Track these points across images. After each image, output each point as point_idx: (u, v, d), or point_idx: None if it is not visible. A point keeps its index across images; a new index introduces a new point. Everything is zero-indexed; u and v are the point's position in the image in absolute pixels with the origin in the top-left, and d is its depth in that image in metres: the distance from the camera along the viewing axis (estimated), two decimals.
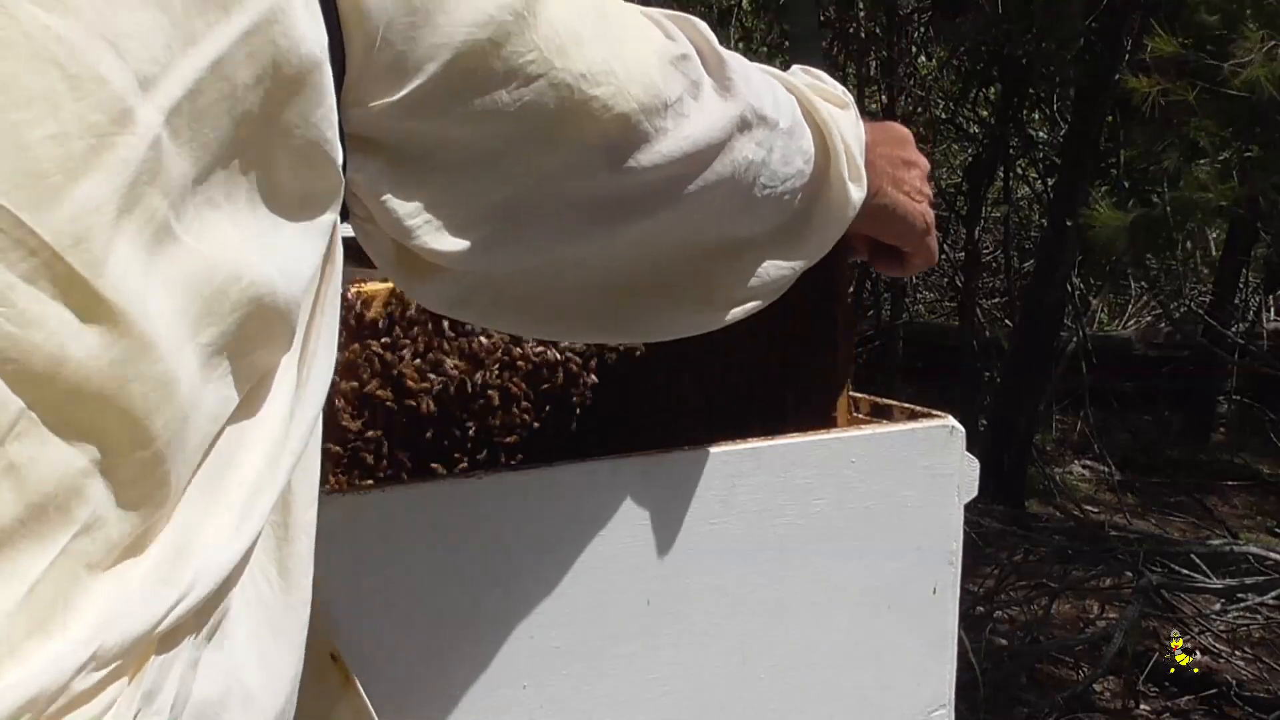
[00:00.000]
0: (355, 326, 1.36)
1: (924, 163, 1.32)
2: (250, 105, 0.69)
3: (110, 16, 0.63)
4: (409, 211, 0.88)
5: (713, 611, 1.37)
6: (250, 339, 0.72)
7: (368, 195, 0.86)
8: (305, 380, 0.79)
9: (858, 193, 1.20)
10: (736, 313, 1.20)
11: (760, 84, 1.08)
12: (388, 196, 0.87)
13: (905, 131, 1.34)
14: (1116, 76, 6.14)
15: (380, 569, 1.19)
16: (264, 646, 0.80)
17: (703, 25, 1.05)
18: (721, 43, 1.06)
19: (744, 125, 1.04)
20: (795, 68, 1.24)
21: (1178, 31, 4.31)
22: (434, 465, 1.38)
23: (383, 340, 1.36)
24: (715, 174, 1.03)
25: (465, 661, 1.24)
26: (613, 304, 1.12)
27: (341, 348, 1.31)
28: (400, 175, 0.86)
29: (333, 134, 0.75)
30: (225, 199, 0.70)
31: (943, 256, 9.57)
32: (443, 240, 0.91)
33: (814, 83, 1.22)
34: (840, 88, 1.23)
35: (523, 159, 0.93)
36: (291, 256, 0.75)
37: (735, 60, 1.06)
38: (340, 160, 0.78)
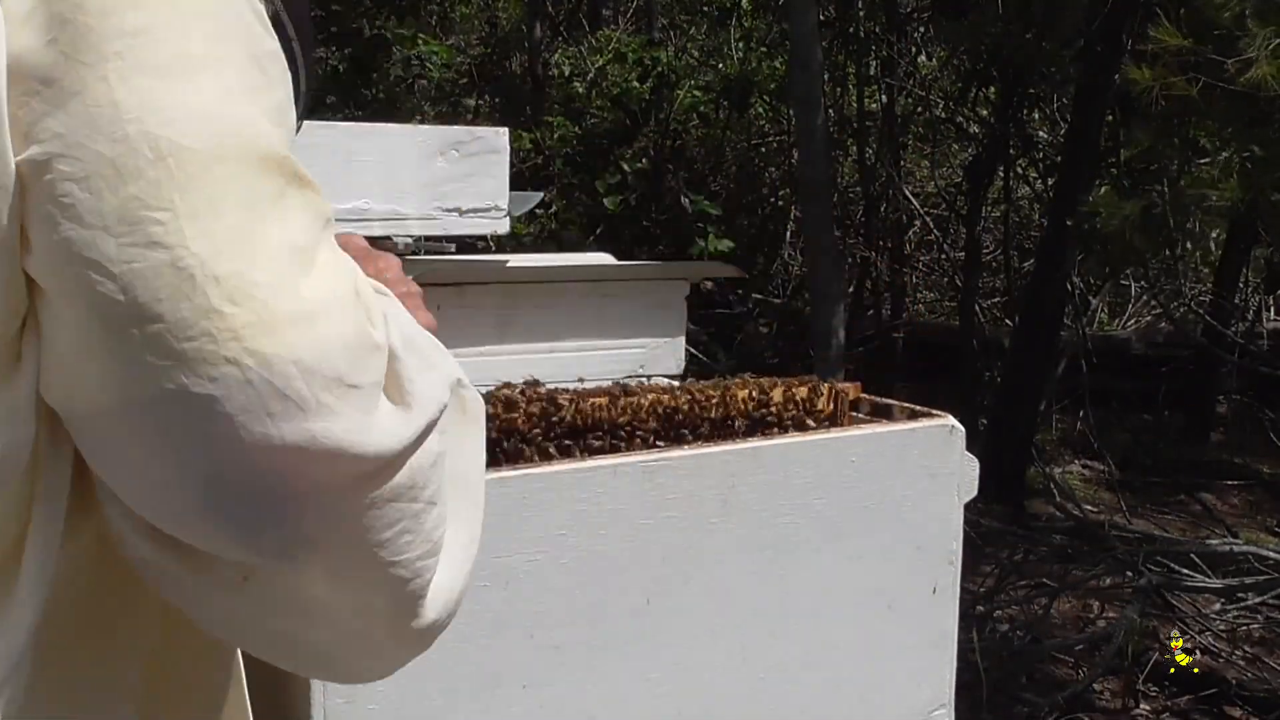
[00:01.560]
0: None
1: (394, 261, 1.13)
2: None
3: None
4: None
5: (713, 611, 1.37)
6: None
7: None
8: None
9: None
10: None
11: (435, 382, 0.87)
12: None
13: (354, 239, 1.13)
14: (1116, 76, 6.14)
15: None
16: None
17: (400, 312, 0.87)
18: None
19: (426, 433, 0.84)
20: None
21: (1183, 27, 4.28)
22: None
23: None
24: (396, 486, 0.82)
25: (465, 661, 1.24)
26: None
27: None
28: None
29: None
30: None
31: (942, 256, 9.57)
32: None
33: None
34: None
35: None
36: None
37: (422, 353, 0.86)
38: None
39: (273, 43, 0.81)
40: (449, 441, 0.88)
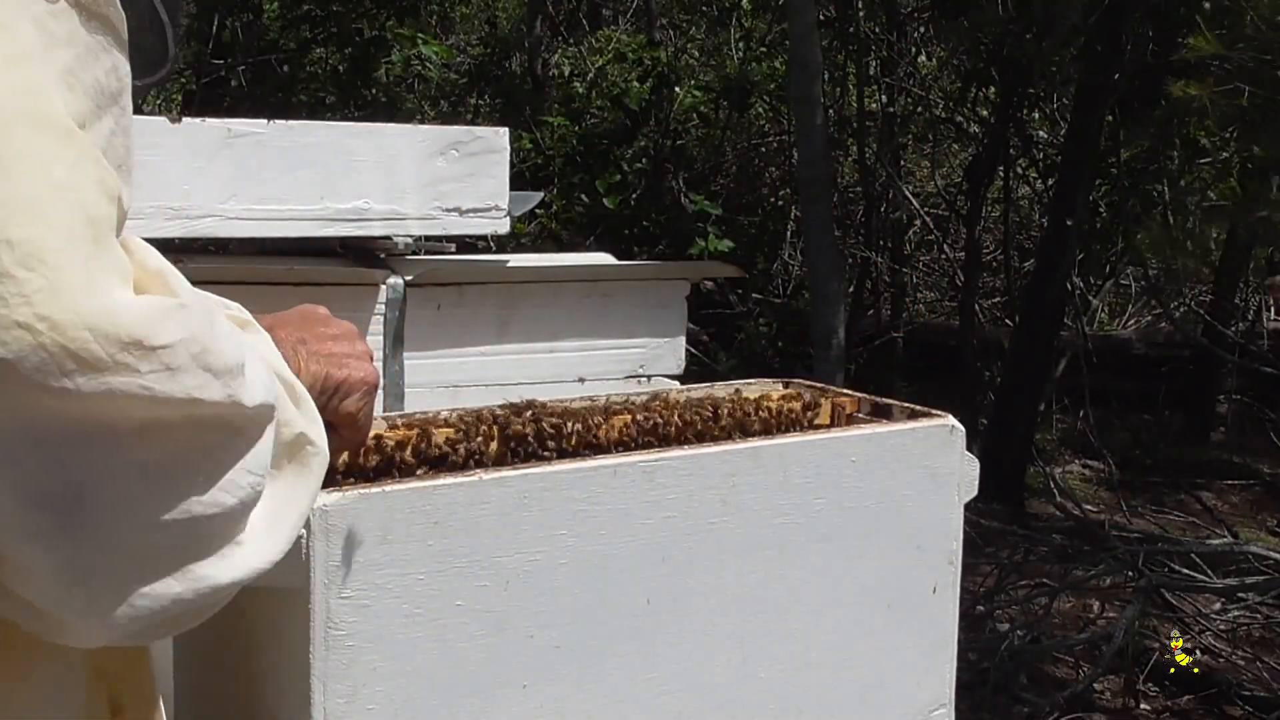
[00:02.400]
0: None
1: (347, 326, 1.15)
2: None
3: None
4: None
5: (713, 611, 1.37)
6: None
7: None
8: None
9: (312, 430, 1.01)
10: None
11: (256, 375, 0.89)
12: None
13: (317, 310, 1.16)
14: (1117, 75, 6.14)
15: (380, 569, 1.19)
16: None
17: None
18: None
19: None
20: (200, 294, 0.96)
21: (1222, 34, 4.17)
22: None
23: None
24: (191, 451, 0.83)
25: (465, 661, 1.24)
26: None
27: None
28: None
29: None
30: None
31: (943, 256, 9.57)
32: None
33: (236, 316, 1.01)
34: (236, 305, 1.02)
35: None
36: None
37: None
38: None
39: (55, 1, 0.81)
40: (282, 484, 0.95)
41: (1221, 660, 4.97)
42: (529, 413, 1.45)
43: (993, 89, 8.21)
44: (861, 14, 8.71)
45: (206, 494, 0.85)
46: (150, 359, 0.77)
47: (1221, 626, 5.17)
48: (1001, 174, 8.31)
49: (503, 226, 2.44)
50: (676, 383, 2.36)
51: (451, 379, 2.28)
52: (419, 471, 1.36)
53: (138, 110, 0.93)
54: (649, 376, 2.42)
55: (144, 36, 1.00)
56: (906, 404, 1.58)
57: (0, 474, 0.77)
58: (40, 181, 0.75)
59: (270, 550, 0.93)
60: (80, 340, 0.74)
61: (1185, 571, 5.09)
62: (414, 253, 2.41)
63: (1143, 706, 4.71)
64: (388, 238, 2.34)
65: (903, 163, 9.25)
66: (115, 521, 0.80)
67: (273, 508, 0.94)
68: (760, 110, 9.53)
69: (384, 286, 2.20)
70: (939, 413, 1.54)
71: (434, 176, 2.33)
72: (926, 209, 9.26)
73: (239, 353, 0.86)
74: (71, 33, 0.82)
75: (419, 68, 8.47)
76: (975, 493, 1.56)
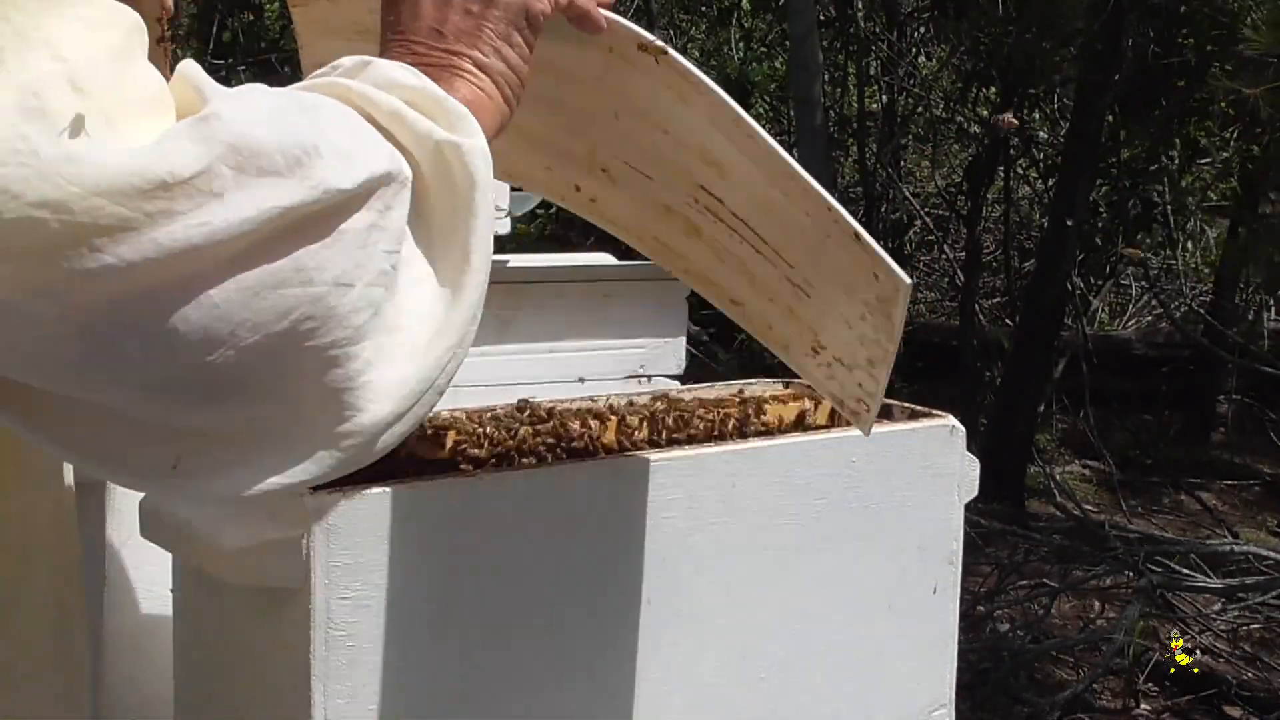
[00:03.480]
0: None
1: None
2: None
3: None
4: None
5: (713, 611, 1.37)
6: None
7: None
8: None
9: (468, 139, 0.87)
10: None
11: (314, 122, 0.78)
12: None
13: None
14: (1117, 77, 6.14)
15: (380, 569, 1.19)
16: None
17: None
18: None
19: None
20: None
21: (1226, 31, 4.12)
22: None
23: None
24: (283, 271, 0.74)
25: (465, 661, 1.24)
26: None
27: None
28: None
29: None
30: None
31: (942, 256, 9.57)
32: None
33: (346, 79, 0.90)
34: (351, 59, 0.90)
35: None
36: None
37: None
38: None
39: None
40: (406, 223, 0.81)
41: (1221, 660, 4.97)
42: (529, 413, 1.45)
43: (993, 89, 8.21)
44: (861, 14, 8.71)
45: (328, 300, 0.75)
46: (186, 194, 0.69)
47: (1221, 626, 5.17)
48: (1001, 174, 8.31)
49: (503, 226, 2.44)
50: (677, 383, 2.36)
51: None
52: (420, 471, 1.36)
53: None
54: (649, 376, 2.42)
55: None
56: (907, 404, 1.58)
57: (121, 371, 0.71)
58: None
59: (454, 311, 0.83)
60: (94, 210, 0.67)
61: (1185, 571, 5.09)
62: None
63: (1143, 706, 4.71)
64: None
65: (903, 163, 9.24)
66: (266, 381, 0.74)
67: (438, 257, 0.83)
68: (760, 110, 9.53)
69: None
70: (939, 413, 1.54)
71: None
72: (926, 209, 9.26)
73: (311, 132, 0.75)
74: None
75: None
76: (975, 493, 1.56)
